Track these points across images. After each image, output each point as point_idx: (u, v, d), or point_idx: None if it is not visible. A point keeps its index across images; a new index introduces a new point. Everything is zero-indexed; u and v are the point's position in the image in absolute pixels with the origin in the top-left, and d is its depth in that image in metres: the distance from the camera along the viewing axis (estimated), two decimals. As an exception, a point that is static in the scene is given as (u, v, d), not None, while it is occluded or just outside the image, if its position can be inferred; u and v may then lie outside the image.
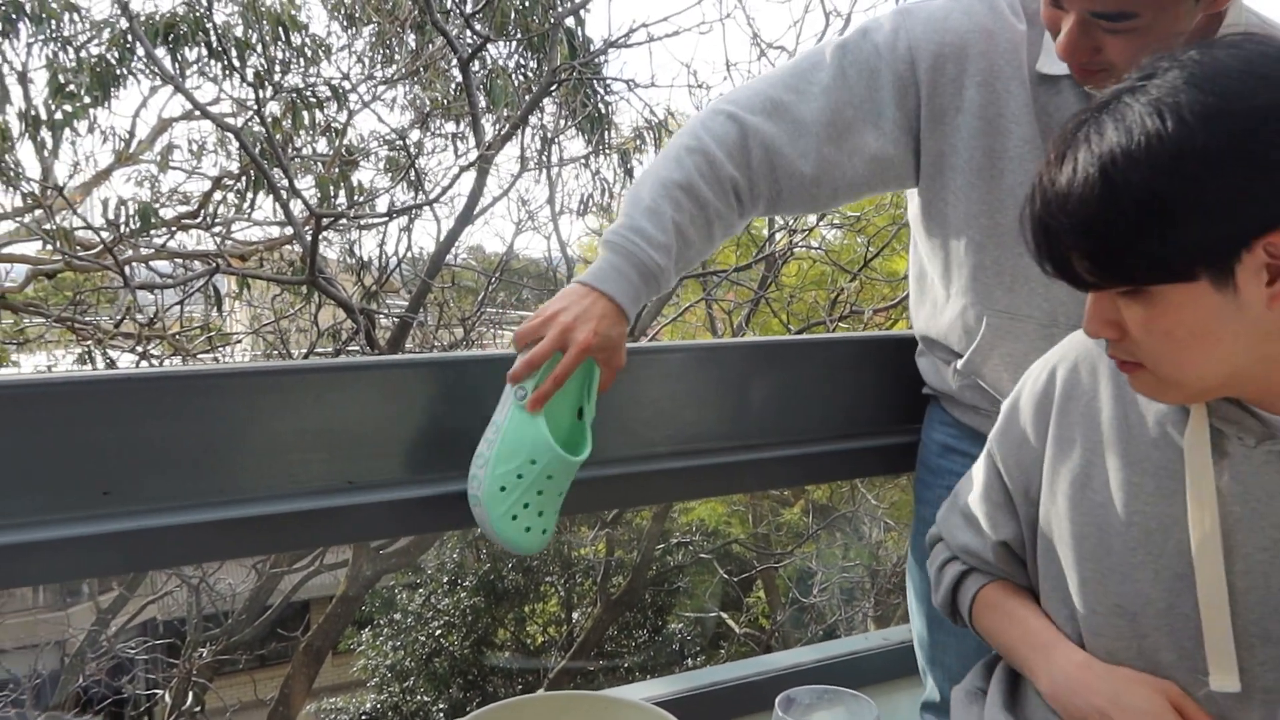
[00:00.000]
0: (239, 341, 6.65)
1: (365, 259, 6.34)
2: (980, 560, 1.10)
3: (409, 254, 6.40)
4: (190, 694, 5.69)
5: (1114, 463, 0.96)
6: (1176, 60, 0.80)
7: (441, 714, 7.54)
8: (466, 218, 5.57)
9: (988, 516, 1.08)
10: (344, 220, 5.68)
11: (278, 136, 5.27)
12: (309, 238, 4.78)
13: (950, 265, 1.32)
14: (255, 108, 5.01)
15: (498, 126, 5.86)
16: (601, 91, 6.47)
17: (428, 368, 1.30)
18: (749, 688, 1.51)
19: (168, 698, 5.92)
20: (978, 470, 1.12)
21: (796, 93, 1.25)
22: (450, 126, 6.54)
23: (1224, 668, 0.89)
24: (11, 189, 5.28)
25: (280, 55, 5.82)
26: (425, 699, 7.77)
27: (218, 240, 6.38)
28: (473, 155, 5.50)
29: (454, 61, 5.68)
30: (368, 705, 7.96)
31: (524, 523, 1.16)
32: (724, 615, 8.24)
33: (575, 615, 8.54)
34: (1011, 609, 1.06)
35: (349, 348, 5.74)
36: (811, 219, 7.01)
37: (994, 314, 1.28)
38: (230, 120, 5.49)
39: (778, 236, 6.73)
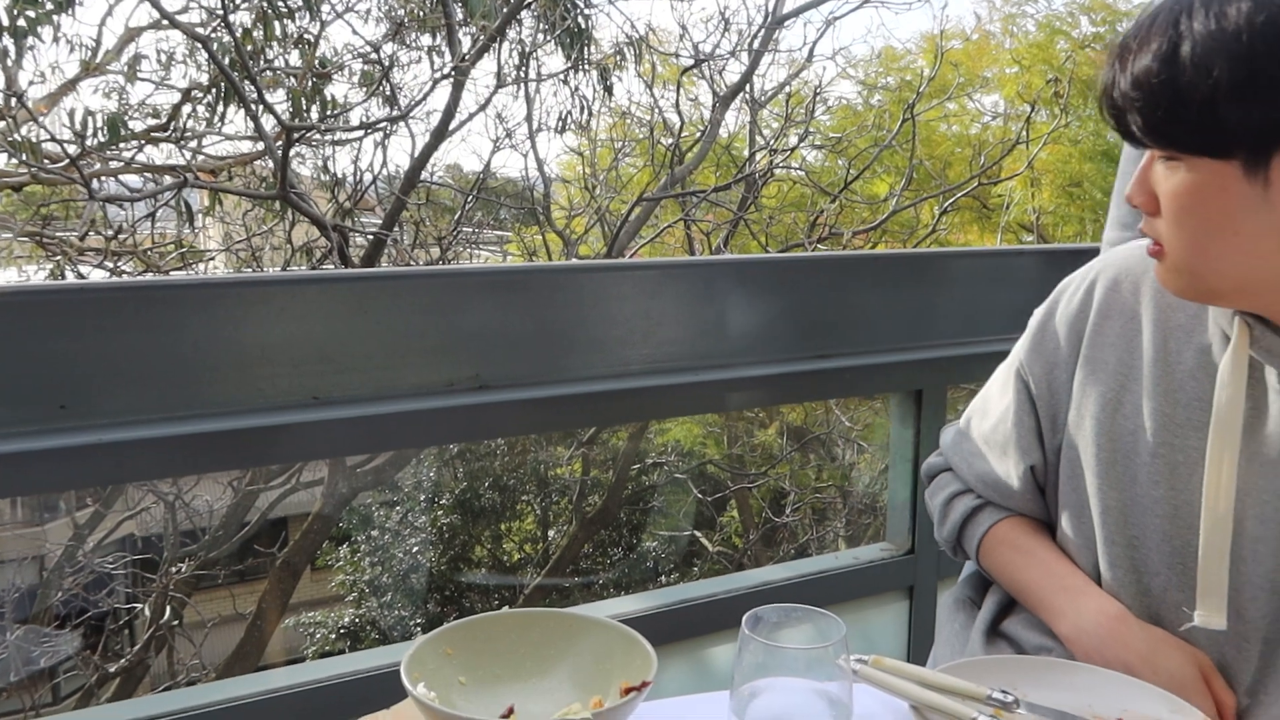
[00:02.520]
0: (212, 259, 6.55)
1: (339, 175, 6.22)
2: (1000, 490, 1.06)
3: (384, 171, 6.29)
4: (168, 608, 5.73)
5: (1148, 389, 0.93)
6: None
7: (419, 628, 7.65)
8: (442, 133, 5.47)
9: (1017, 441, 1.03)
10: (316, 134, 5.56)
11: (248, 48, 5.12)
12: (280, 152, 4.68)
13: None
14: (223, 14, 4.86)
15: (475, 39, 5.71)
16: (581, 5, 6.31)
17: (393, 281, 1.27)
18: (719, 605, 1.52)
19: (146, 611, 5.96)
20: (1004, 392, 1.07)
21: None
22: (426, 39, 6.37)
23: (1211, 605, 0.88)
24: (-28, 98, 5.13)
25: (249, -39, 5.62)
26: (403, 614, 7.87)
27: (188, 155, 6.23)
28: (449, 69, 5.38)
29: (429, -30, 5.51)
30: (346, 619, 8.07)
31: None
32: (698, 534, 8.35)
33: (551, 533, 8.63)
34: (1031, 548, 1.03)
35: (323, 265, 5.66)
36: (792, 139, 6.93)
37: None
38: (199, 30, 5.33)
39: (758, 157, 6.66)
